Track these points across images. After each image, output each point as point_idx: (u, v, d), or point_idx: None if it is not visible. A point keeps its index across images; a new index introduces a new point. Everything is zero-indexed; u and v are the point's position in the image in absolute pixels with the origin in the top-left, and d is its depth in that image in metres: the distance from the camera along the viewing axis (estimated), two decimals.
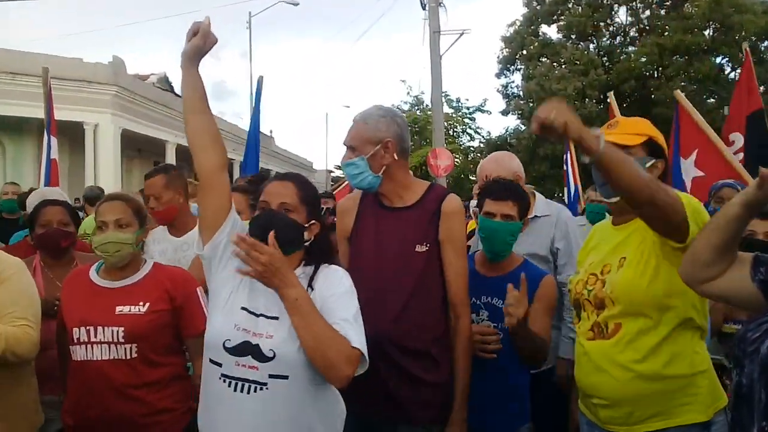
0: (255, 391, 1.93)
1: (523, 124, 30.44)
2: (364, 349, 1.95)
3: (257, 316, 2.01)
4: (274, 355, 1.93)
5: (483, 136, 36.27)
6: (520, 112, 30.22)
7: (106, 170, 18.87)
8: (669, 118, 25.83)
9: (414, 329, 2.43)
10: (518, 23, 31.45)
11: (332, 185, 17.27)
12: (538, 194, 3.58)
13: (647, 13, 30.26)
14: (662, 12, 29.69)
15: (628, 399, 2.14)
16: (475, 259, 2.86)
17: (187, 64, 2.10)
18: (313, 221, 2.14)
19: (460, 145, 35.97)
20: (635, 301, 2.12)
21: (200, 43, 2.07)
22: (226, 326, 2.00)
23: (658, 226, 2.05)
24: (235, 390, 1.94)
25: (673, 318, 2.11)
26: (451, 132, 34.68)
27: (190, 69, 2.11)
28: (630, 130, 2.26)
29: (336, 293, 2.06)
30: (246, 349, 1.95)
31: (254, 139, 6.85)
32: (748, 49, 6.14)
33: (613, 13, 30.33)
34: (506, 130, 33.26)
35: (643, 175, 1.96)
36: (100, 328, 2.46)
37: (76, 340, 2.48)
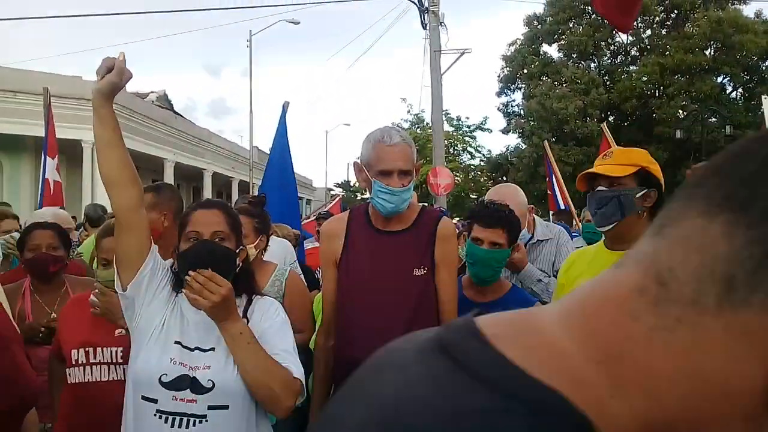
0: (194, 425, 1.89)
1: (523, 142, 30.40)
2: (302, 376, 1.99)
3: (192, 350, 1.98)
4: (213, 386, 1.92)
5: (483, 155, 36.26)
6: (520, 130, 30.20)
7: (104, 189, 18.72)
8: (670, 137, 25.89)
9: None
10: (519, 42, 31.56)
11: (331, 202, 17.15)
12: (537, 218, 3.62)
13: (648, 32, 30.36)
14: (663, 31, 29.78)
15: None
16: (462, 283, 2.81)
17: (102, 101, 2.00)
18: (242, 247, 2.12)
19: (461, 164, 35.94)
20: None
21: (116, 79, 1.98)
22: (162, 361, 1.95)
23: None
24: (172, 426, 1.89)
25: None
26: (451, 150, 34.65)
27: (105, 106, 2.01)
28: (622, 160, 2.30)
29: (273, 326, 2.08)
30: (183, 383, 1.92)
31: (278, 166, 6.27)
32: None
33: (613, 32, 30.39)
34: (507, 149, 33.22)
35: None
36: (99, 349, 2.49)
37: (74, 362, 2.48)
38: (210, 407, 1.90)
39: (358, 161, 2.56)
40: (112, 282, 2.46)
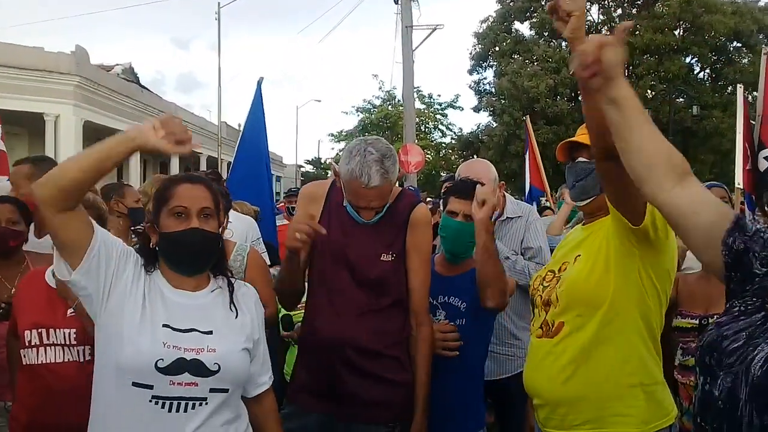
0: (193, 408, 1.84)
1: (494, 121, 30.45)
2: (268, 386, 2.15)
3: (184, 331, 1.88)
4: (219, 368, 1.86)
5: (455, 133, 36.35)
6: (492, 108, 30.22)
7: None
8: None
9: (372, 332, 2.43)
10: (491, 19, 31.46)
11: (302, 180, 16.92)
12: (507, 195, 3.57)
13: (619, 11, 30.49)
14: (633, 11, 29.92)
15: (562, 401, 2.12)
16: (434, 261, 2.81)
17: (129, 151, 1.83)
18: (222, 226, 2.12)
19: (432, 141, 35.98)
20: (578, 299, 2.09)
21: (167, 150, 1.80)
22: (154, 345, 1.83)
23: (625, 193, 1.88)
24: (170, 411, 1.82)
25: (618, 320, 2.05)
26: (422, 128, 34.62)
27: (125, 155, 1.84)
28: None
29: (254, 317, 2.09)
30: (181, 366, 1.83)
31: (254, 143, 6.18)
32: None
33: (585, 11, 30.44)
34: (478, 127, 33.25)
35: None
36: (52, 331, 2.44)
37: (27, 343, 2.43)
38: (212, 390, 1.86)
39: (336, 165, 2.48)
40: None
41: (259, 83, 6.45)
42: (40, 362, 2.42)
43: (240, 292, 2.08)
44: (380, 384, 2.42)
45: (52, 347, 2.43)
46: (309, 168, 45.23)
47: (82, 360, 2.44)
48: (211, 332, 1.91)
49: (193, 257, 1.93)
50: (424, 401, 2.47)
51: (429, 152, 31.14)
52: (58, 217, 1.77)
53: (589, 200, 2.21)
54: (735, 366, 1.36)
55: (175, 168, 25.42)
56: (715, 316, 2.92)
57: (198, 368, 1.84)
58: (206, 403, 1.85)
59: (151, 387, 1.82)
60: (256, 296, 2.14)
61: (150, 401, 1.82)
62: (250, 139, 6.22)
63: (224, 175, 6.67)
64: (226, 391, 1.89)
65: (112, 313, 1.89)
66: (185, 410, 1.83)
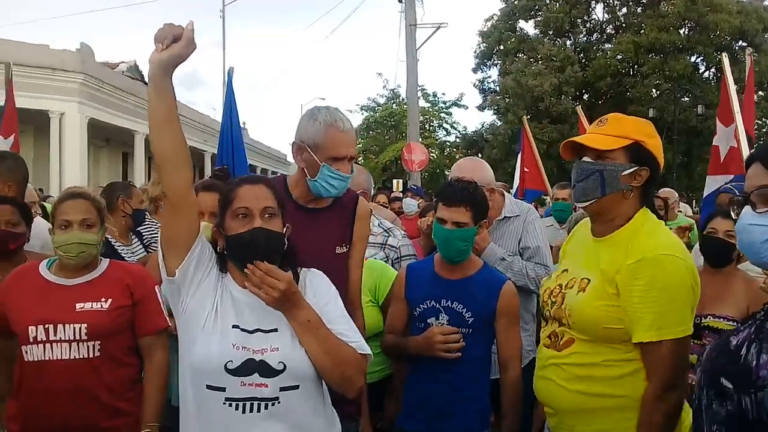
0: (266, 408, 1.84)
1: (499, 119, 30.43)
2: (370, 351, 1.96)
3: (251, 332, 1.90)
4: (285, 368, 1.86)
5: (459, 131, 36.30)
6: (496, 107, 30.19)
7: (71, 160, 18.48)
8: (644, 116, 26.24)
9: None
10: (495, 18, 31.42)
11: None
12: (507, 194, 3.51)
13: (624, 10, 30.43)
14: (639, 10, 29.84)
15: (570, 412, 2.09)
16: (434, 261, 2.78)
17: (162, 73, 1.82)
18: (288, 225, 2.03)
19: (436, 140, 35.93)
20: (588, 331, 2.05)
21: (184, 51, 1.80)
22: (224, 348, 1.86)
23: None
24: (244, 412, 1.83)
25: (623, 345, 2.01)
26: (427, 126, 34.59)
27: (165, 79, 1.84)
28: (614, 131, 2.07)
29: (330, 300, 2.03)
30: (250, 367, 1.84)
31: (229, 133, 6.55)
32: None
33: (590, 9, 30.43)
34: (482, 125, 33.27)
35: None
36: (60, 326, 2.36)
37: (32, 339, 2.36)
38: (282, 389, 1.85)
39: (300, 142, 2.48)
40: (72, 246, 2.43)
41: (230, 73, 6.68)
42: (46, 359, 2.35)
43: (307, 279, 2.06)
44: None
45: (59, 344, 2.36)
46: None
47: (91, 356, 2.38)
48: (276, 330, 1.90)
49: (258, 257, 1.88)
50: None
51: (433, 151, 31.11)
52: (185, 203, 1.89)
53: (590, 202, 2.10)
54: (703, 363, 1.57)
55: None
56: (709, 317, 3.05)
57: (264, 368, 1.84)
58: (278, 403, 1.85)
59: (223, 389, 1.84)
60: (322, 279, 2.10)
61: (224, 403, 1.83)
62: (229, 131, 6.49)
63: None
64: (296, 387, 1.88)
65: (191, 315, 1.93)
66: (258, 410, 1.83)
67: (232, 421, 1.84)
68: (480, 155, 29.49)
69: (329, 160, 2.42)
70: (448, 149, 36.10)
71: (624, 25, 29.97)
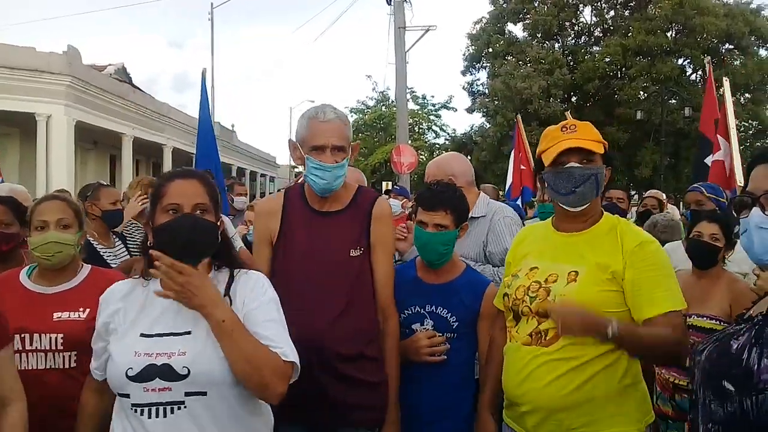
0: (172, 412, 1.80)
1: (488, 122, 30.48)
2: (296, 359, 1.86)
3: (163, 336, 1.86)
4: (189, 372, 1.80)
5: (448, 134, 36.39)
6: (485, 109, 30.26)
7: (59, 163, 18.31)
8: (631, 118, 26.35)
9: (350, 333, 2.40)
10: (484, 21, 31.50)
11: (295, 181, 17.08)
12: (482, 194, 3.42)
13: (612, 13, 30.58)
14: (626, 13, 30.01)
15: (561, 408, 2.10)
16: (416, 265, 2.78)
17: None
18: (221, 220, 1.98)
19: (426, 142, 36.01)
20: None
21: None
22: (125, 356, 1.84)
23: None
24: (149, 417, 1.80)
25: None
26: (416, 129, 34.65)
27: None
28: (591, 136, 2.21)
29: (261, 306, 1.93)
30: (151, 373, 1.80)
31: (207, 132, 6.82)
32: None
33: (578, 12, 30.55)
34: (471, 128, 33.32)
35: (663, 333, 2.01)
36: (36, 336, 2.34)
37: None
38: (187, 393, 1.80)
39: (293, 139, 2.53)
40: (48, 245, 2.40)
41: (203, 75, 6.97)
42: (22, 368, 2.29)
43: (240, 282, 1.98)
44: (361, 387, 2.40)
45: (34, 353, 2.34)
46: (302, 169, 45.15)
47: (66, 366, 2.35)
48: (189, 332, 1.85)
49: (184, 243, 1.83)
50: (395, 395, 2.46)
51: (422, 153, 31.16)
52: None
53: (586, 205, 2.19)
54: (699, 361, 1.63)
55: (168, 166, 25.33)
56: (693, 316, 3.12)
57: (167, 373, 1.80)
58: (185, 407, 1.81)
59: (128, 396, 1.82)
60: (258, 282, 2.01)
61: (131, 410, 1.82)
62: (204, 132, 6.76)
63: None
64: (204, 394, 1.82)
65: (109, 328, 1.96)
66: (165, 415, 1.80)
67: (140, 428, 1.81)
68: (469, 157, 29.53)
69: (311, 151, 2.44)
70: (437, 151, 36.13)
71: (612, 28, 30.11)
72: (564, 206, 2.22)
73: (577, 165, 2.15)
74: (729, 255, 3.34)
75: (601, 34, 30.80)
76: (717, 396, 1.51)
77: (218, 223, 1.94)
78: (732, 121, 5.11)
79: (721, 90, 5.43)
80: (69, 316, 2.37)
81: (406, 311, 2.64)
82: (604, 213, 2.26)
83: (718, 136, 5.26)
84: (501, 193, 9.79)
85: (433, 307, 2.64)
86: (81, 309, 2.40)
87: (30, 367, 2.32)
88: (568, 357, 2.08)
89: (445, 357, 2.58)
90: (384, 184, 19.45)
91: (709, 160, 5.39)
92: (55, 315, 2.37)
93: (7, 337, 2.04)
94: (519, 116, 10.43)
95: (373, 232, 2.50)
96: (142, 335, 1.87)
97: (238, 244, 3.90)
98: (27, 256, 2.95)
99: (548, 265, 2.22)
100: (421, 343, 2.57)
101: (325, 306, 2.39)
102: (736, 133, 5.15)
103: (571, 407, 2.08)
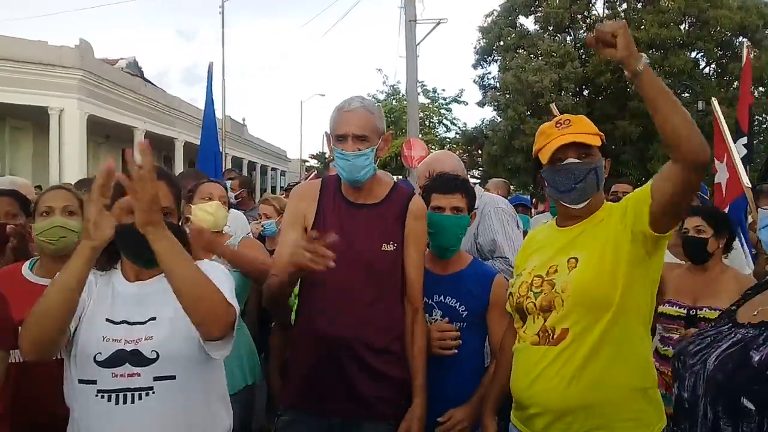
0: (140, 398, 1.84)
1: (499, 115, 30.35)
2: (238, 310, 1.86)
3: (131, 324, 1.90)
4: (158, 356, 1.85)
5: (459, 128, 36.22)
6: (496, 103, 30.10)
7: (71, 157, 18.43)
8: (643, 112, 25.96)
9: (380, 327, 2.43)
10: (495, 14, 31.31)
11: (306, 175, 17.05)
12: (476, 186, 3.42)
13: (624, 6, 30.31)
14: (639, 5, 29.74)
15: (569, 409, 2.06)
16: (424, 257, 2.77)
17: (91, 262, 1.75)
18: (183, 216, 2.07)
19: (436, 136, 35.91)
20: (585, 302, 2.03)
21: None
22: (92, 340, 1.87)
23: (674, 197, 1.91)
24: (116, 403, 1.83)
25: (623, 323, 2.04)
26: (426, 123, 34.56)
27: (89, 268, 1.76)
28: (587, 129, 2.17)
29: (215, 276, 1.90)
30: (120, 358, 1.84)
31: (210, 128, 7.00)
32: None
33: (590, 5, 30.31)
34: (482, 122, 33.14)
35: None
36: None
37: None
38: (156, 378, 1.84)
39: (328, 131, 2.54)
40: (54, 230, 2.42)
41: (210, 68, 7.09)
42: (21, 360, 2.30)
43: (202, 268, 1.93)
44: (384, 381, 2.42)
45: None
46: (313, 162, 45.20)
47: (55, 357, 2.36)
48: (154, 318, 1.90)
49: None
50: (421, 391, 2.47)
51: (433, 147, 31.02)
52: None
53: (588, 201, 2.15)
54: (696, 365, 1.49)
55: (179, 160, 25.43)
56: (705, 309, 3.14)
57: (136, 358, 1.83)
58: (153, 392, 1.84)
59: (94, 382, 1.84)
60: (220, 266, 2.06)
61: (96, 396, 1.83)
62: (208, 124, 6.93)
63: (227, 166, 7.38)
64: (173, 378, 1.86)
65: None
66: (132, 401, 1.82)
67: (105, 414, 1.82)
68: (480, 151, 29.45)
69: (336, 142, 2.45)
70: (448, 145, 36.02)
71: (624, 20, 29.85)
72: (566, 204, 2.18)
73: (576, 161, 2.11)
74: (721, 246, 3.35)
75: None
76: (730, 414, 1.37)
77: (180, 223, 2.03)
78: (727, 133, 4.99)
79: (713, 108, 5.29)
80: None
81: None
82: (605, 203, 2.23)
83: (716, 160, 5.14)
84: (512, 187, 9.74)
85: (442, 298, 2.66)
86: None
87: (21, 360, 2.29)
88: (576, 354, 2.05)
89: (456, 351, 2.59)
90: (395, 178, 19.44)
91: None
92: None
93: (8, 341, 2.06)
94: (553, 105, 10.32)
95: (407, 229, 2.50)
96: (108, 320, 1.90)
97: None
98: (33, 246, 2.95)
99: (548, 259, 2.20)
100: (432, 335, 2.57)
101: (354, 298, 2.40)
102: (730, 135, 5.04)
103: (581, 409, 2.05)
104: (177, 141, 25.25)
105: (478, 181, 9.22)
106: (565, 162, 2.12)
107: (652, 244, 2.01)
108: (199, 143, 7.07)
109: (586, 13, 30.41)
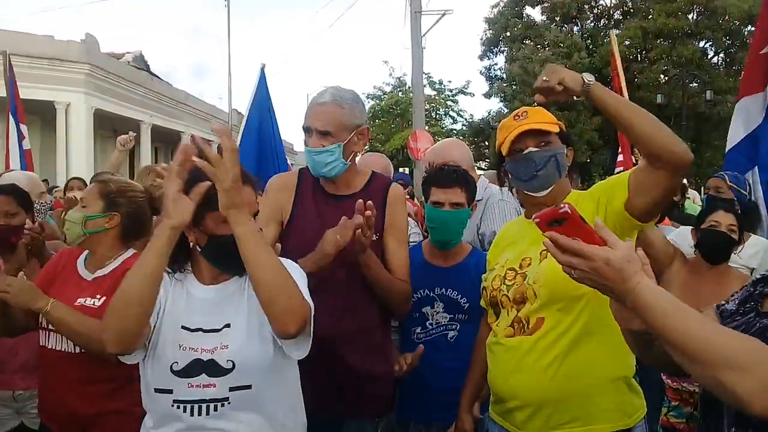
0: (215, 409, 1.77)
1: (506, 106, 30.27)
2: (312, 308, 1.76)
3: (202, 331, 1.81)
4: (234, 366, 1.77)
5: (465, 119, 36.16)
6: (503, 94, 30.05)
7: (78, 151, 18.48)
8: (652, 102, 25.97)
9: (364, 322, 2.39)
10: (502, 4, 31.22)
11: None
12: (481, 178, 3.41)
13: None
14: None
15: (548, 400, 2.03)
16: (423, 249, 2.79)
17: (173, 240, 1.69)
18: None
19: (443, 128, 35.83)
20: (560, 292, 2.00)
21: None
22: (168, 348, 1.79)
23: (655, 192, 1.91)
24: (191, 414, 1.76)
25: (601, 311, 1.94)
26: (433, 114, 34.48)
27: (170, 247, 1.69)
28: (544, 118, 2.17)
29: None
30: (197, 368, 1.76)
31: (267, 137, 6.02)
32: None
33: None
34: (489, 113, 33.08)
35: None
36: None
37: (41, 324, 2.41)
38: (231, 389, 1.77)
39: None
40: (66, 225, 2.46)
41: (262, 69, 6.35)
42: (49, 346, 2.38)
43: None
44: (369, 378, 2.38)
45: (54, 333, 2.37)
46: None
47: (76, 351, 2.36)
48: (228, 325, 1.82)
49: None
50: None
51: (439, 139, 31.00)
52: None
53: (550, 189, 2.14)
54: None
55: None
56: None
57: (212, 368, 1.76)
58: (228, 404, 1.77)
59: (170, 391, 1.78)
60: (293, 264, 1.93)
61: (172, 406, 1.78)
62: (257, 131, 5.99)
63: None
64: (249, 387, 1.80)
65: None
66: (207, 413, 1.77)
67: (180, 424, 1.77)
68: (487, 143, 29.38)
69: (304, 133, 2.40)
70: (454, 137, 35.98)
71: (632, 10, 29.70)
72: (529, 192, 2.18)
73: (535, 149, 2.12)
74: (737, 250, 3.18)
75: (620, 17, 30.38)
76: None
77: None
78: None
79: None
80: (85, 302, 2.37)
81: (415, 295, 2.62)
82: (572, 191, 2.20)
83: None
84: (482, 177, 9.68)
85: (443, 290, 2.65)
86: (98, 296, 2.38)
87: (49, 346, 2.39)
88: (553, 342, 2.02)
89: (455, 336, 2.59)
90: (401, 171, 19.40)
91: None
92: (79, 300, 2.37)
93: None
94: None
95: (387, 217, 2.44)
96: (184, 328, 1.81)
97: None
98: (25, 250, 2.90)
99: (521, 252, 2.18)
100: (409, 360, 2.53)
101: (339, 294, 2.34)
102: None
103: (560, 400, 2.02)
104: (184, 135, 25.27)
105: (484, 172, 9.11)
106: (525, 152, 2.13)
107: (628, 235, 1.97)
108: (204, 137, 6.41)
109: (593, 3, 30.26)
